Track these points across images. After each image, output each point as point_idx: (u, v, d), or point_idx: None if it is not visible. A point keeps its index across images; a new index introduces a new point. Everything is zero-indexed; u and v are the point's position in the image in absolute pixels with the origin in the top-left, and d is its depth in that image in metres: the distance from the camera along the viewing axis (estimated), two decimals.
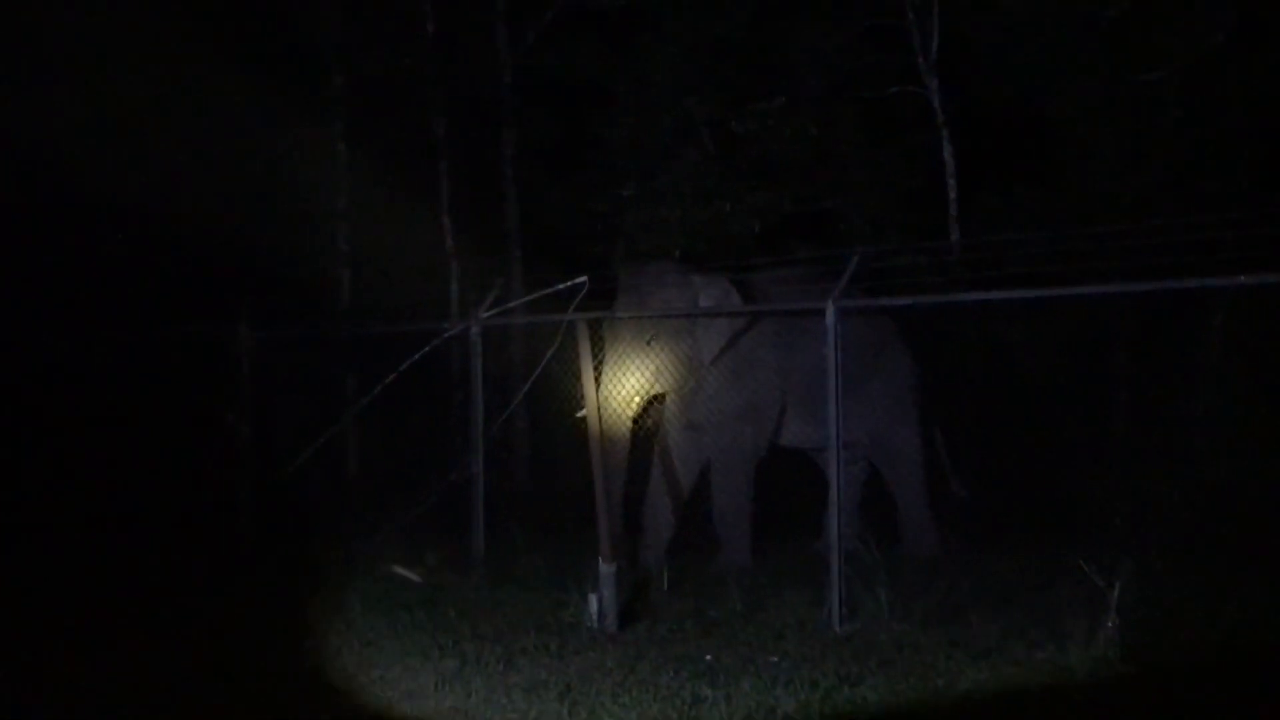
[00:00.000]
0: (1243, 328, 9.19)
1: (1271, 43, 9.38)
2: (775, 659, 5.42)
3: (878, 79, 10.80)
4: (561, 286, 7.00)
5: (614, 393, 7.35)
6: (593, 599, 6.11)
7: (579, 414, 7.02)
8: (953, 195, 10.51)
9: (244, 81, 10.50)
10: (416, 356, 7.58)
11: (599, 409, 6.58)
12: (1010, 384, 8.94)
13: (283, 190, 11.04)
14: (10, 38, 9.85)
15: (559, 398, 7.46)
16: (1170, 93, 9.68)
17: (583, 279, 6.89)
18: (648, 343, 7.37)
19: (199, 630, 6.12)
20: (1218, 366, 9.42)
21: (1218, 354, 9.53)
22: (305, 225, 11.17)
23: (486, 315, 7.58)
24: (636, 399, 7.39)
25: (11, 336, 9.13)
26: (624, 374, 7.34)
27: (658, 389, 7.53)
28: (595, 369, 6.72)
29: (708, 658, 5.46)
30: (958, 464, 7.75)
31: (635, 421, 7.49)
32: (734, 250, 9.71)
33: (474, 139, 11.69)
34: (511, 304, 7.52)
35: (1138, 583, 5.46)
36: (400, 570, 7.08)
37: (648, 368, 7.38)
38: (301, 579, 7.04)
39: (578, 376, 6.59)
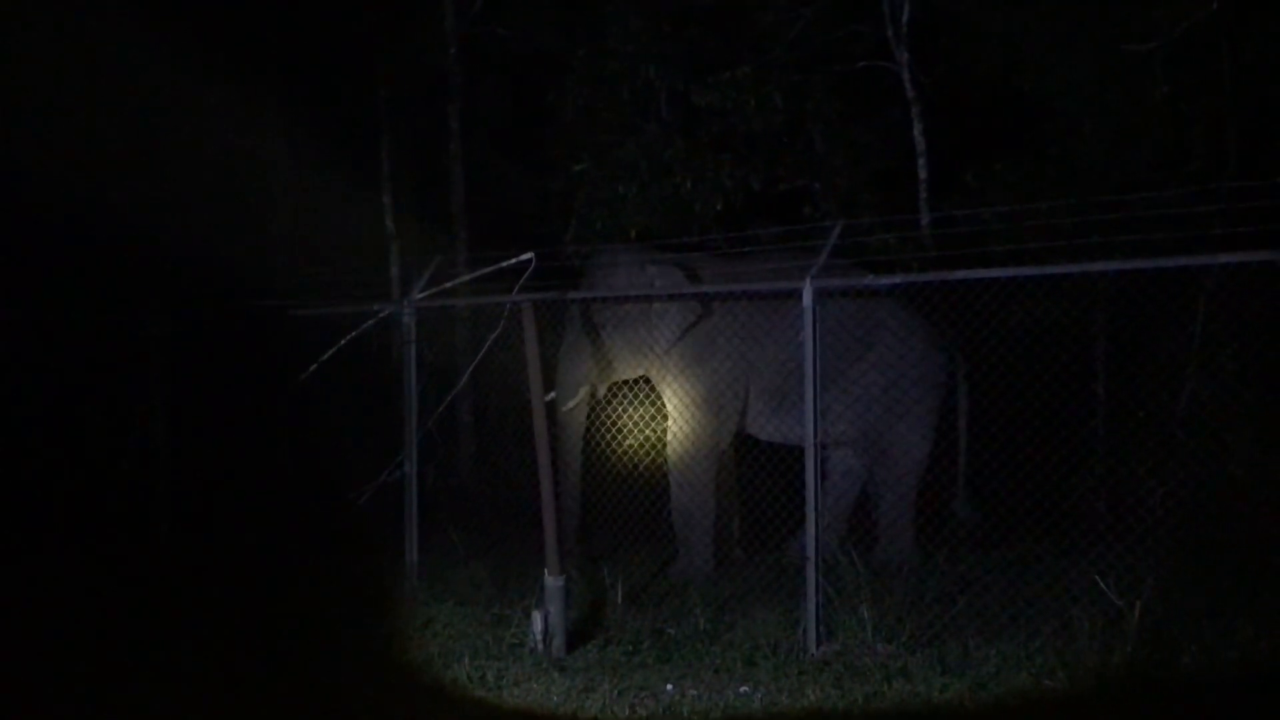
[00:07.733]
0: (1228, 311, 8.63)
1: (1267, 12, 8.79)
2: (746, 689, 4.73)
3: (849, 52, 10.10)
4: (505, 264, 6.26)
5: (565, 381, 6.87)
6: (536, 617, 5.39)
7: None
8: (923, 176, 9.82)
9: (172, 48, 9.72)
10: (343, 342, 6.79)
11: (547, 401, 5.95)
12: (985, 371, 8.27)
13: (208, 164, 10.22)
14: None
15: (505, 388, 6.75)
16: (1160, 66, 9.07)
17: (529, 255, 6.14)
18: (600, 328, 6.88)
19: (103, 643, 5.47)
20: (1202, 353, 8.84)
21: (1201, 340, 8.95)
22: (231, 202, 10.35)
23: (421, 296, 6.81)
24: (587, 386, 6.93)
25: None
26: (576, 361, 6.89)
27: (615, 377, 7.04)
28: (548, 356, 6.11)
29: (669, 688, 4.78)
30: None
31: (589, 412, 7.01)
32: (695, 229, 8.99)
33: (418, 112, 10.94)
34: (449, 284, 6.73)
35: (1161, 600, 4.82)
36: None
37: (600, 354, 6.86)
38: (214, 593, 6.32)
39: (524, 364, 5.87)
